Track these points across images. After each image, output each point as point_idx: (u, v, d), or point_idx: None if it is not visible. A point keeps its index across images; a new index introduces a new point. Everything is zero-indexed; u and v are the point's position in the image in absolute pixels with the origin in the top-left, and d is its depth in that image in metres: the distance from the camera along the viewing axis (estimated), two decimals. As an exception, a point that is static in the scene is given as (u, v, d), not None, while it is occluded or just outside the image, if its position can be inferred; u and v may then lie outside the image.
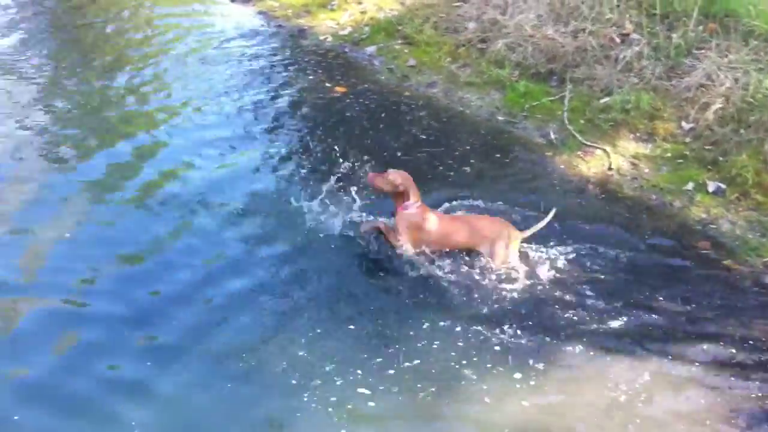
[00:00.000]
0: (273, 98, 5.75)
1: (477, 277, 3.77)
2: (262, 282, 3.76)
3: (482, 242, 3.87)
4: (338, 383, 3.15)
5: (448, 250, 3.93)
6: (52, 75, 6.11)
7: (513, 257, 3.84)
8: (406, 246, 3.91)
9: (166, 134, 5.18)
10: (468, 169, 4.79)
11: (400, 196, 3.95)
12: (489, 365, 3.26)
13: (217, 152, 4.94)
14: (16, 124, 5.28)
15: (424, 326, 3.47)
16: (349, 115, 5.45)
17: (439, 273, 3.79)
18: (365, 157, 4.65)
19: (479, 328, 3.45)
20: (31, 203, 4.37)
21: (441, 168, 4.78)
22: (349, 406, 3.05)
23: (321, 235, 4.05)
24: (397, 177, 3.96)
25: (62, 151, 4.95)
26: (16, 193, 4.45)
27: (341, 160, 4.52)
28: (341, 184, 4.35)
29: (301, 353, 3.30)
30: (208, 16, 7.40)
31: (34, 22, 7.30)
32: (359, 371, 3.21)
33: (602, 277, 3.80)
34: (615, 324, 3.50)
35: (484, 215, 4.10)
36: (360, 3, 7.21)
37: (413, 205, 3.92)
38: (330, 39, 6.82)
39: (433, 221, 3.91)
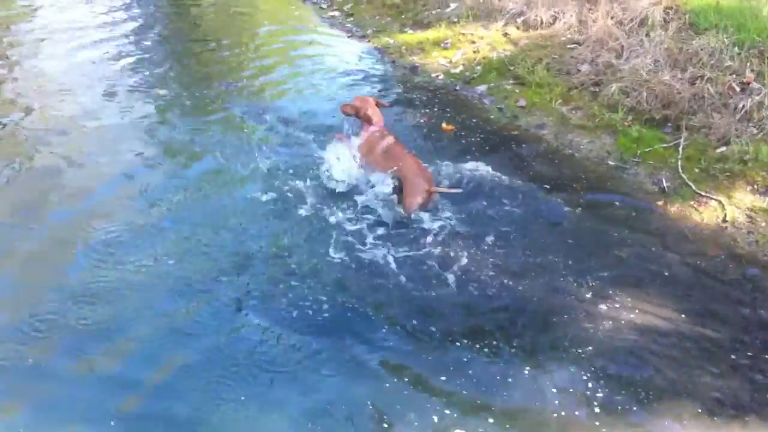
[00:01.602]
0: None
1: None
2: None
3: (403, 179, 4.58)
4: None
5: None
6: (171, 100, 6.50)
7: (415, 203, 4.49)
8: (358, 159, 4.82)
9: (284, 163, 5.42)
10: (577, 210, 4.82)
11: (367, 120, 4.91)
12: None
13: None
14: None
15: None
16: (454, 153, 5.57)
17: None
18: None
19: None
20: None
21: (545, 211, 4.84)
22: None
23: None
24: (356, 101, 5.07)
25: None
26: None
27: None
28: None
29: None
30: (325, 47, 7.73)
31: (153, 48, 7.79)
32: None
33: (710, 334, 3.76)
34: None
35: (415, 163, 4.68)
36: (473, 42, 7.38)
37: (374, 127, 4.89)
38: (442, 76, 7.01)
39: (382, 144, 4.81)
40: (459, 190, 4.68)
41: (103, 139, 5.60)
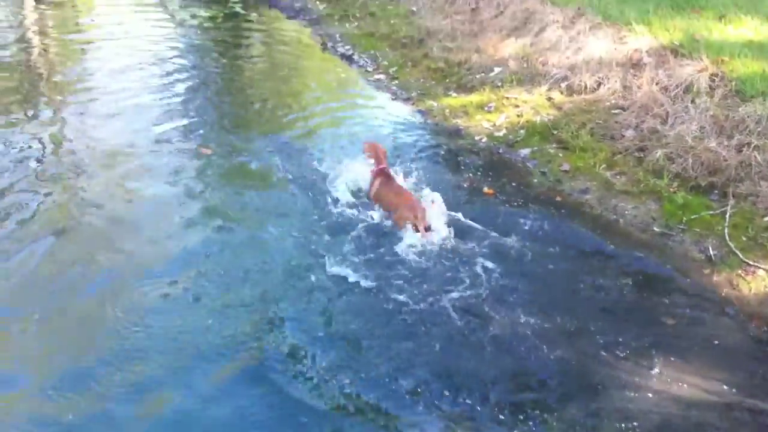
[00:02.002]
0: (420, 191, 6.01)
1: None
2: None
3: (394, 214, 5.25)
4: None
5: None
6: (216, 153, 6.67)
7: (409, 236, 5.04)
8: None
9: (320, 227, 5.51)
10: (620, 277, 4.79)
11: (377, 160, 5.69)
12: None
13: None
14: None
15: None
16: (496, 217, 5.60)
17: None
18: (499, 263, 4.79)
19: None
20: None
21: (588, 276, 4.83)
22: None
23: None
24: (365, 146, 5.87)
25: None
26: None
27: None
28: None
29: None
30: (370, 110, 7.87)
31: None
32: None
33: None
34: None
35: (410, 197, 5.34)
36: (517, 106, 7.46)
37: (375, 170, 5.62)
38: (485, 139, 7.08)
39: (375, 186, 5.56)
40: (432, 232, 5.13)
41: (147, 201, 5.73)
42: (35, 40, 10.28)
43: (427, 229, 5.14)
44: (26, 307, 4.38)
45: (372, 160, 5.76)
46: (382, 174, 5.67)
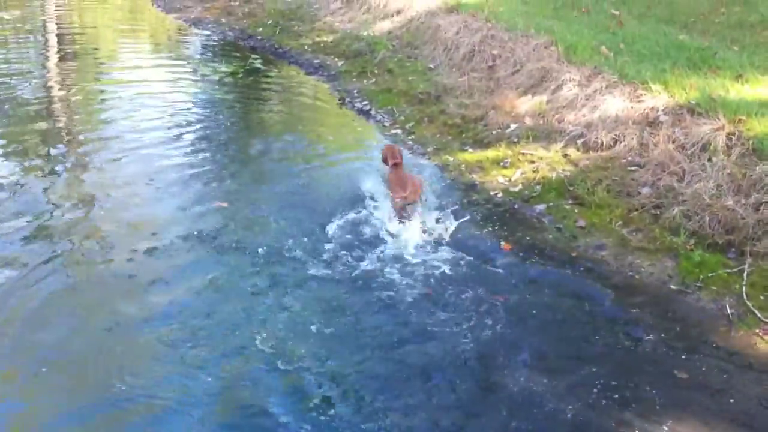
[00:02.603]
0: (439, 246, 6.04)
1: None
2: None
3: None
4: None
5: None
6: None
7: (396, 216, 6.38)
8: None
9: (339, 273, 5.53)
10: (635, 335, 4.76)
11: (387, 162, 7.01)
12: None
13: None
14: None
15: None
16: (513, 271, 5.61)
17: None
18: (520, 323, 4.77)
19: None
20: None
21: (602, 331, 4.80)
22: None
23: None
24: (383, 150, 7.22)
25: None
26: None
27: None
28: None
29: None
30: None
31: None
32: None
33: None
34: None
35: (406, 180, 6.74)
36: (533, 162, 7.52)
37: (391, 164, 6.91)
38: (501, 194, 7.12)
39: (388, 174, 7.00)
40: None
41: (165, 252, 5.80)
42: (57, 90, 10.53)
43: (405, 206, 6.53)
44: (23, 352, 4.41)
45: (390, 161, 6.98)
46: (395, 166, 6.95)
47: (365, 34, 12.30)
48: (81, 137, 8.49)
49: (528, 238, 6.22)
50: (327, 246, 5.90)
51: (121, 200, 6.74)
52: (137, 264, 5.60)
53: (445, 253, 5.87)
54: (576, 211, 6.61)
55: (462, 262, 5.73)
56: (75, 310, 5.02)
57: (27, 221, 6.27)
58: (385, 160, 7.11)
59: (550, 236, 6.29)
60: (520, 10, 11.01)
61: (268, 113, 9.66)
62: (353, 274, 5.49)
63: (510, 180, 7.38)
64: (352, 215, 6.41)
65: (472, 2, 11.68)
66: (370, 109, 9.66)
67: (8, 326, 4.76)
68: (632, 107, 7.67)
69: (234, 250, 5.84)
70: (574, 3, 11.10)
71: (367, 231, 6.20)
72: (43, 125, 8.80)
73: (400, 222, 6.32)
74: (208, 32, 13.60)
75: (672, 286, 5.43)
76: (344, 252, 5.80)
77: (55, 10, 16.26)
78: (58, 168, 7.55)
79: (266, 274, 5.48)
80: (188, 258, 5.71)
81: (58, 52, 12.76)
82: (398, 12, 12.56)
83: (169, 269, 5.54)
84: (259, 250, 5.78)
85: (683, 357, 4.57)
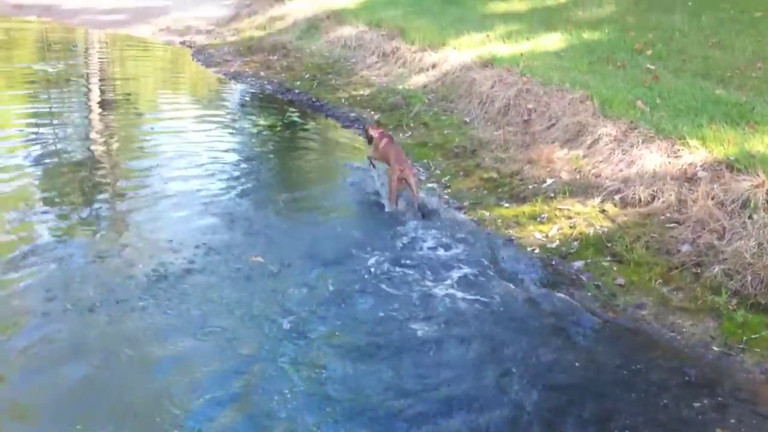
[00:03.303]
0: (473, 302, 6.05)
1: None
2: None
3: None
4: None
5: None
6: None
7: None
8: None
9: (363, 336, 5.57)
10: (676, 399, 4.70)
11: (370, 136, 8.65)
12: None
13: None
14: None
15: None
16: (551, 330, 5.60)
17: None
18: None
19: None
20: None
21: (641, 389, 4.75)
22: None
23: None
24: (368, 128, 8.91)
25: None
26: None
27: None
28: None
29: None
30: (419, 219, 7.98)
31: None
32: None
33: None
34: None
35: (400, 156, 8.04)
36: (570, 218, 7.52)
37: (378, 133, 8.52)
38: (537, 250, 7.13)
39: (382, 143, 8.36)
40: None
41: (191, 307, 5.89)
42: (98, 139, 10.82)
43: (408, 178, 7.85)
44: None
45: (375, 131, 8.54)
46: (387, 136, 8.28)
47: (401, 87, 12.48)
48: (120, 186, 8.69)
49: (567, 295, 6.20)
50: (363, 309, 5.95)
51: (151, 251, 6.87)
52: (175, 317, 5.69)
53: (483, 308, 5.87)
54: (615, 268, 6.59)
55: (500, 319, 5.73)
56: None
57: (65, 268, 6.42)
58: (369, 137, 8.56)
59: (589, 294, 6.27)
60: (555, 64, 11.10)
61: (305, 165, 9.79)
62: (387, 334, 5.51)
63: (547, 236, 7.38)
64: (386, 266, 6.47)
65: (506, 56, 11.82)
66: (406, 163, 9.75)
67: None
68: (670, 162, 7.67)
69: (269, 309, 5.91)
70: (609, 58, 11.18)
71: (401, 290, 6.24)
72: (83, 175, 9.02)
73: (395, 204, 7.84)
74: (246, 86, 13.90)
75: (715, 348, 5.37)
76: (383, 312, 5.83)
77: (98, 61, 16.73)
78: (98, 219, 7.74)
79: (304, 332, 5.52)
80: (226, 318, 5.79)
81: (100, 102, 13.13)
82: (433, 66, 12.74)
83: (199, 323, 5.63)
84: (284, 321, 5.82)
85: (730, 421, 4.51)
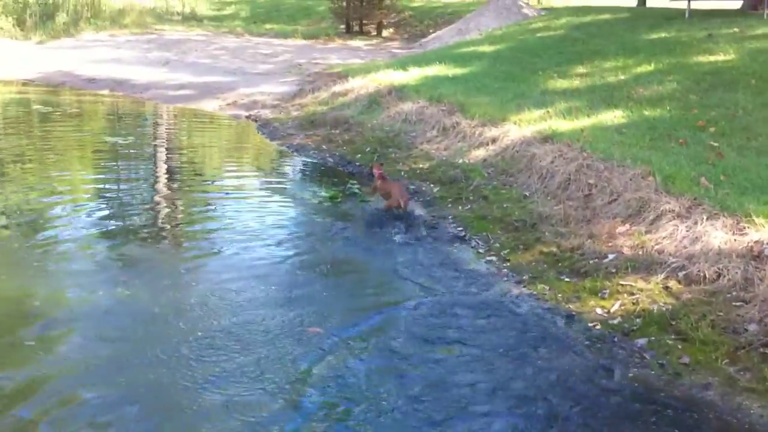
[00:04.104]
0: (533, 376, 6.00)
1: None
2: None
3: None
4: None
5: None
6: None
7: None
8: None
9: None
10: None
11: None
12: None
13: None
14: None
15: None
16: (615, 409, 5.51)
17: None
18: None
19: None
20: None
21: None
22: None
23: None
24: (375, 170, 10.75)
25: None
26: None
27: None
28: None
29: None
30: (478, 294, 7.99)
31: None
32: None
33: None
34: None
35: (398, 187, 10.47)
36: (632, 294, 7.46)
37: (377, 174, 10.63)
38: (599, 326, 7.06)
39: (377, 183, 10.62)
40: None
41: (246, 379, 6.02)
42: (163, 208, 11.21)
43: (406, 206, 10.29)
44: None
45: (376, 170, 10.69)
46: (381, 177, 10.57)
47: (460, 161, 12.65)
48: (185, 256, 8.94)
49: (630, 374, 6.12)
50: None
51: (215, 314, 7.06)
52: (231, 389, 5.79)
53: (543, 383, 5.83)
54: (679, 346, 6.48)
55: (561, 394, 5.67)
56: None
57: (129, 334, 6.62)
58: (371, 172, 10.79)
59: (653, 372, 6.17)
60: (616, 140, 11.16)
61: (363, 239, 9.92)
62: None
63: (609, 311, 7.31)
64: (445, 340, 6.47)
65: (566, 132, 11.93)
66: (465, 235, 9.83)
67: None
68: (735, 240, 7.59)
69: (328, 383, 5.96)
70: (671, 135, 11.18)
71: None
72: (148, 241, 9.33)
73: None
74: (309, 158, 14.26)
75: (786, 432, 5.21)
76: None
77: (166, 134, 17.40)
78: (158, 278, 8.02)
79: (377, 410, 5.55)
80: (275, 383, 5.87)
81: (166, 171, 13.63)
82: (493, 141, 12.91)
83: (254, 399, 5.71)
84: (356, 380, 5.88)
85: None
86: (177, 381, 5.88)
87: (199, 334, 6.67)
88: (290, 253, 9.06)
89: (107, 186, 12.29)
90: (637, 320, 7.02)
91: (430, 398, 5.75)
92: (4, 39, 31.01)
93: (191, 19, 39.23)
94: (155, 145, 16.03)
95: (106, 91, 22.23)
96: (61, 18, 33.93)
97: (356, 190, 11.87)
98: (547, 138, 11.98)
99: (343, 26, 36.37)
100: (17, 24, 32.20)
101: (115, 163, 14.08)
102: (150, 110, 20.03)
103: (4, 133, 16.70)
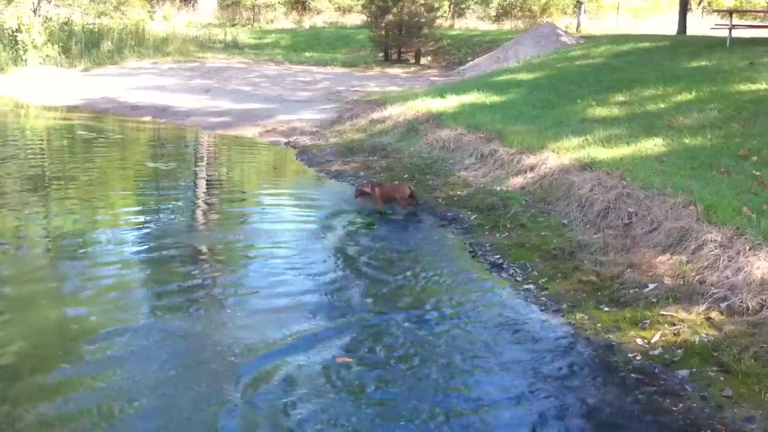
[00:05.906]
0: (573, 409, 5.95)
1: None
2: None
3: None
4: None
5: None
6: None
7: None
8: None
9: None
10: None
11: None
12: None
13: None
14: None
15: None
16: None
17: None
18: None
19: None
20: None
21: None
22: None
23: None
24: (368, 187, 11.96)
25: None
26: None
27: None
28: None
29: None
30: (516, 324, 7.96)
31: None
32: None
33: None
34: None
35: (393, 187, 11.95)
36: (673, 324, 7.37)
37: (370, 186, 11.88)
38: (639, 357, 6.98)
39: (374, 190, 11.82)
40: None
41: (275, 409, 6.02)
42: (200, 235, 11.37)
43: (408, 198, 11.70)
44: None
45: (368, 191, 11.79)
46: (373, 186, 11.90)
47: (498, 189, 12.65)
48: (218, 283, 9.03)
49: (672, 407, 6.04)
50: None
51: (242, 343, 7.13)
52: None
53: (584, 417, 5.78)
54: (722, 378, 6.38)
55: (602, 426, 5.61)
56: None
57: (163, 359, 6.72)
58: (363, 192, 12.08)
59: (695, 405, 6.08)
60: (656, 168, 11.08)
61: (398, 264, 9.94)
62: None
63: (649, 342, 7.23)
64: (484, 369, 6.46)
65: (606, 160, 11.88)
66: (503, 263, 9.80)
67: None
68: (779, 271, 7.45)
69: (354, 414, 5.98)
70: (712, 164, 11.07)
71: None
72: (185, 269, 9.46)
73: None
74: (346, 184, 14.36)
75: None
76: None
77: (206, 159, 17.66)
78: (193, 302, 8.17)
79: None
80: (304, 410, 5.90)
81: (205, 195, 13.85)
82: (531, 168, 12.89)
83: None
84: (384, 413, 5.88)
85: None
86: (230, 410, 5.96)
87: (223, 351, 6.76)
88: (326, 279, 9.13)
89: (148, 209, 12.53)
90: (679, 351, 6.93)
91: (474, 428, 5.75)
92: (50, 66, 31.83)
93: (233, 47, 39.95)
94: (196, 171, 16.30)
95: (148, 118, 22.66)
96: (106, 46, 34.79)
97: (392, 217, 11.92)
98: (586, 166, 11.94)
99: (381, 54, 36.76)
100: (63, 52, 32.99)
101: (156, 189, 14.34)
102: (191, 136, 20.37)
103: (49, 159, 17.13)
